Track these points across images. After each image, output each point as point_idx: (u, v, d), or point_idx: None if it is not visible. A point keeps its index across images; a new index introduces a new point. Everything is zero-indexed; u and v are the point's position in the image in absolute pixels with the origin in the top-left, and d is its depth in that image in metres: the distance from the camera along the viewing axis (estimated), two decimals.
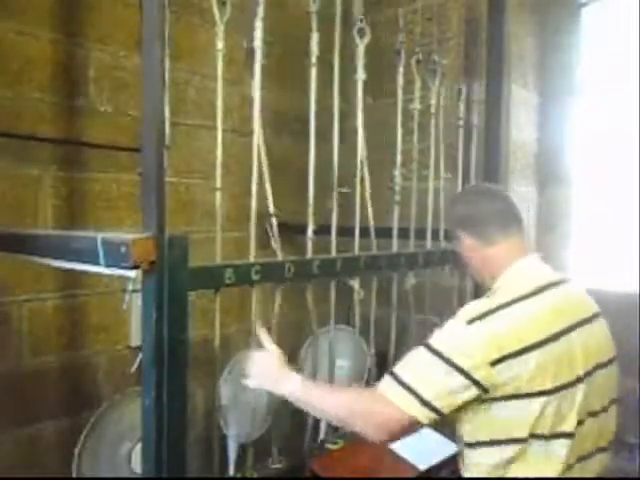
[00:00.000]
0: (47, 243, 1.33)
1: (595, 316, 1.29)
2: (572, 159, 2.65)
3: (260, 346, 1.35)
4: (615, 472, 1.35)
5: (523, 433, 1.14)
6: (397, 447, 1.66)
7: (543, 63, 2.68)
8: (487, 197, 1.37)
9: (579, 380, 1.18)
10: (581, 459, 1.21)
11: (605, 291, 1.44)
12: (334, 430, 1.77)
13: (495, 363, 1.11)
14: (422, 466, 1.60)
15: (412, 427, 1.15)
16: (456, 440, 1.30)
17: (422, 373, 1.15)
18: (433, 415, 1.12)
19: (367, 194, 1.78)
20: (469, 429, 1.19)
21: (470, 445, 1.20)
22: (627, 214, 2.41)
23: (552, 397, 1.14)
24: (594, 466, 1.25)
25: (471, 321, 1.15)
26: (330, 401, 1.22)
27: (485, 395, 1.13)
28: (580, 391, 1.18)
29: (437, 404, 1.11)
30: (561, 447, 1.16)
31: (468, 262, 1.39)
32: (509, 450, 1.16)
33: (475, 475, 1.22)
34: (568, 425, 1.16)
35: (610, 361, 1.29)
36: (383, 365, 1.93)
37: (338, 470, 1.58)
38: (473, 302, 1.25)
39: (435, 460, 1.63)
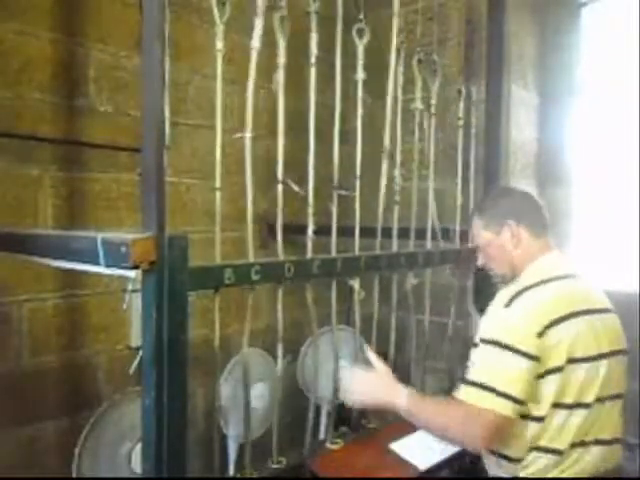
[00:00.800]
0: (47, 243, 1.33)
1: (609, 310, 1.40)
2: (572, 159, 2.65)
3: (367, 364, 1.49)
4: (615, 472, 1.36)
5: (552, 399, 1.24)
6: (397, 447, 1.67)
7: (543, 63, 2.68)
8: (529, 196, 1.53)
9: (602, 356, 1.29)
10: (598, 442, 1.29)
11: (606, 290, 1.45)
12: (334, 430, 1.77)
13: (540, 334, 1.21)
14: (422, 466, 1.60)
15: (507, 424, 1.21)
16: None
17: (489, 367, 1.23)
18: (514, 405, 1.19)
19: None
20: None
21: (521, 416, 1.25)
22: (627, 214, 2.41)
23: (583, 365, 1.25)
24: (596, 457, 1.29)
25: (508, 303, 1.27)
26: (435, 420, 1.30)
27: (539, 367, 1.22)
28: (603, 367, 1.29)
29: (514, 393, 1.18)
30: (580, 418, 1.26)
31: (501, 254, 1.46)
32: (536, 425, 1.25)
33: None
34: (590, 396, 1.26)
35: (624, 351, 1.38)
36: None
37: (338, 470, 1.58)
38: (500, 292, 1.34)
39: (435, 460, 1.63)
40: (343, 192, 1.64)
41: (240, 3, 1.43)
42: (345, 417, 1.85)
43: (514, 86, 2.49)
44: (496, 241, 1.46)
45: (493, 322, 1.28)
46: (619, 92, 2.49)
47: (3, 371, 1.82)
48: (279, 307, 1.51)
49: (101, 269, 1.08)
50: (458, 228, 2.07)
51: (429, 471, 1.60)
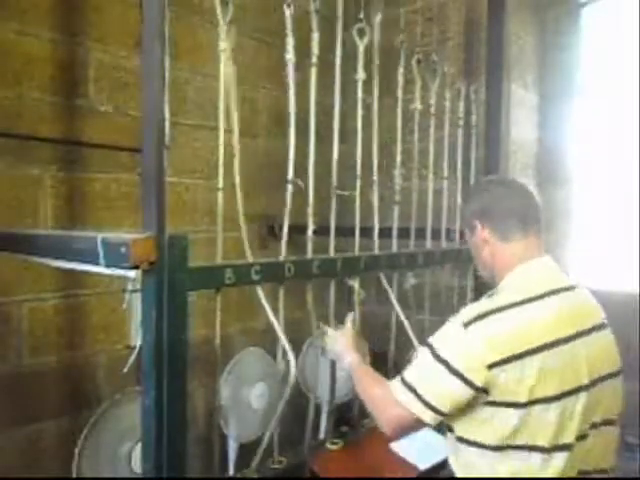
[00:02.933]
0: (47, 243, 1.33)
1: (602, 326, 1.24)
2: (572, 159, 2.65)
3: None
4: (615, 472, 1.35)
5: (523, 441, 1.11)
6: (397, 447, 1.66)
7: (543, 63, 2.68)
8: (510, 190, 1.31)
9: (581, 389, 1.14)
10: (584, 473, 1.16)
11: (605, 291, 1.43)
12: (334, 430, 1.77)
13: (492, 366, 1.09)
14: (422, 466, 1.60)
15: (417, 425, 1.19)
16: (445, 428, 1.27)
17: (424, 375, 1.18)
18: (436, 415, 1.15)
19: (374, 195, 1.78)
20: (467, 426, 1.17)
21: (466, 442, 1.18)
22: (627, 214, 2.41)
23: (554, 405, 1.10)
24: None
25: (468, 324, 1.14)
26: (365, 390, 1.34)
27: (487, 397, 1.11)
28: (582, 400, 1.14)
29: (439, 406, 1.14)
30: (561, 460, 1.12)
31: (477, 256, 1.34)
32: (507, 457, 1.13)
33: (466, 472, 1.20)
34: (568, 437, 1.12)
35: (616, 374, 1.24)
36: (383, 365, 1.93)
37: (338, 470, 1.58)
38: (473, 304, 1.23)
39: (435, 460, 1.63)
40: (344, 193, 1.63)
41: (242, 3, 1.43)
42: (345, 417, 1.85)
43: (514, 86, 2.49)
44: (472, 240, 1.34)
45: (448, 339, 1.17)
46: (619, 92, 2.49)
47: (3, 371, 1.82)
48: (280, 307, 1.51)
49: (101, 269, 1.08)
50: (458, 228, 2.07)
51: (429, 471, 1.59)
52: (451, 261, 2.05)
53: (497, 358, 1.09)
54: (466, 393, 1.11)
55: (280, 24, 1.47)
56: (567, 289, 1.22)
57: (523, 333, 1.12)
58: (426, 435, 1.73)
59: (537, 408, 1.10)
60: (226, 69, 1.35)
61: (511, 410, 1.10)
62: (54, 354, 1.94)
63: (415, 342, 1.82)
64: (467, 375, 1.10)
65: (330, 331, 1.60)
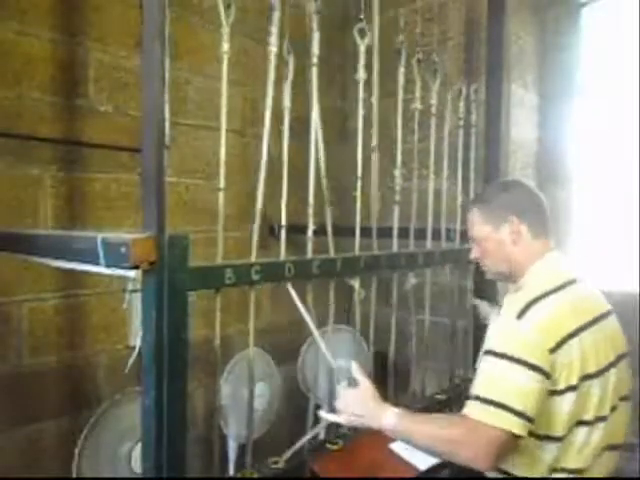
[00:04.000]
0: (47, 243, 1.33)
1: (610, 312, 1.36)
2: (572, 159, 2.65)
3: (352, 381, 1.36)
4: (615, 472, 1.36)
5: (573, 420, 1.20)
6: (397, 447, 1.66)
7: (543, 63, 2.68)
8: (534, 192, 1.41)
9: (611, 365, 1.27)
10: (610, 448, 1.26)
11: (605, 291, 1.44)
12: (334, 430, 1.77)
13: (552, 350, 1.15)
14: (422, 466, 1.60)
15: (512, 441, 1.12)
16: None
17: (499, 383, 1.13)
18: (526, 422, 1.11)
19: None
20: (540, 421, 1.16)
21: (537, 437, 1.19)
22: (627, 214, 2.41)
23: (596, 380, 1.22)
24: (609, 462, 1.29)
25: (521, 314, 1.18)
26: (430, 435, 1.18)
27: (550, 385, 1.15)
28: (613, 376, 1.26)
29: (525, 409, 1.10)
30: (600, 431, 1.23)
31: (498, 251, 1.37)
32: (565, 441, 1.20)
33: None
34: (606, 409, 1.24)
35: (626, 354, 1.35)
36: (383, 365, 1.93)
37: (338, 470, 1.58)
38: (508, 301, 1.28)
39: (435, 460, 1.62)
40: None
41: (243, 5, 1.43)
42: None
43: (514, 86, 2.49)
44: (494, 235, 1.37)
45: (504, 334, 1.19)
46: (619, 92, 2.49)
47: (3, 371, 1.82)
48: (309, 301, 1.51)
49: (101, 269, 1.08)
50: (458, 228, 2.07)
51: (429, 471, 1.59)
52: (451, 261, 2.05)
53: (553, 343, 1.15)
54: (541, 383, 1.13)
55: (280, 24, 1.47)
56: (577, 281, 1.32)
57: (563, 318, 1.20)
58: None
59: (585, 385, 1.20)
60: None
61: (569, 394, 1.17)
62: (54, 354, 1.94)
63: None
64: (537, 363, 1.12)
65: (343, 393, 1.33)
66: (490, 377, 1.16)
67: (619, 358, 1.31)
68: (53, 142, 1.90)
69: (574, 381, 1.17)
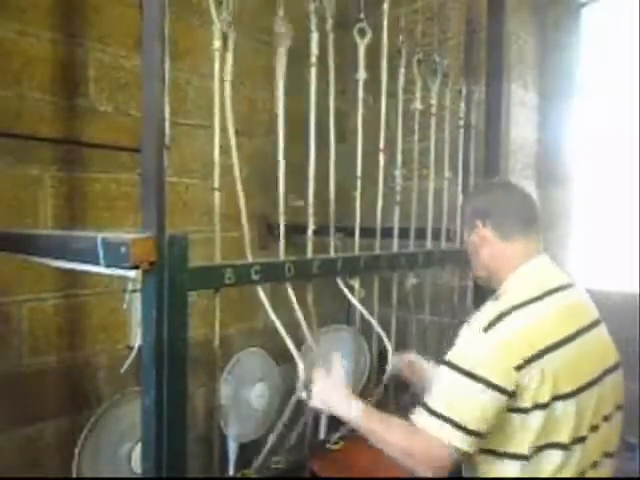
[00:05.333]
0: (47, 243, 1.33)
1: (598, 321, 1.28)
2: (572, 159, 2.65)
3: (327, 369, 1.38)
4: (615, 472, 1.36)
5: (546, 441, 1.13)
6: None
7: (543, 63, 2.68)
8: (510, 192, 1.34)
9: (594, 382, 1.18)
10: (594, 465, 1.20)
11: (605, 291, 1.44)
12: (334, 430, 1.77)
13: (519, 368, 1.08)
14: None
15: (456, 457, 1.10)
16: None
17: (451, 397, 1.11)
18: (473, 439, 1.09)
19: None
20: (499, 438, 1.14)
21: (497, 454, 1.16)
22: (627, 214, 2.41)
23: (572, 400, 1.13)
24: (604, 471, 1.24)
25: (487, 328, 1.12)
26: (386, 440, 1.17)
27: (514, 403, 1.10)
28: (595, 393, 1.17)
29: (475, 427, 1.08)
30: (578, 452, 1.15)
31: (475, 256, 1.35)
32: (533, 460, 1.13)
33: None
34: (584, 430, 1.16)
35: (616, 366, 1.28)
36: (383, 365, 1.93)
37: (338, 470, 1.58)
38: (483, 309, 1.20)
39: None
40: (298, 203, 1.61)
41: (241, 3, 1.43)
42: None
43: (514, 86, 2.49)
44: (469, 240, 1.36)
45: (468, 348, 1.14)
46: (619, 92, 2.49)
47: (3, 371, 1.82)
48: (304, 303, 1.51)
49: (101, 269, 1.08)
50: (458, 228, 2.07)
51: None
52: (451, 261, 2.05)
53: (521, 359, 1.08)
54: (499, 402, 1.08)
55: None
56: (565, 287, 1.25)
57: (538, 332, 1.13)
58: None
59: (558, 405, 1.11)
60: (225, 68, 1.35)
61: (537, 412, 1.10)
62: (54, 354, 1.94)
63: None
64: (497, 382, 1.07)
65: (319, 378, 1.35)
66: (449, 391, 1.13)
67: (605, 373, 1.22)
68: (53, 142, 1.90)
69: (544, 399, 1.10)
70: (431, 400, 1.13)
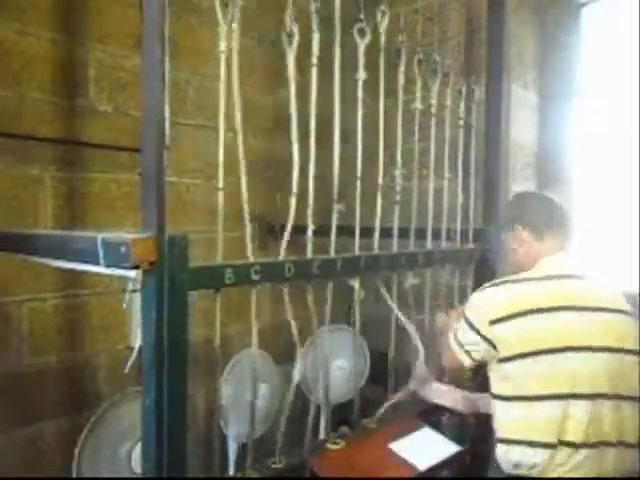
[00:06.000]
0: (47, 243, 1.33)
1: (617, 310, 1.44)
2: (572, 159, 2.65)
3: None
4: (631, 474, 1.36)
5: (539, 390, 1.33)
6: (397, 447, 1.66)
7: (543, 63, 2.68)
8: (537, 199, 1.65)
9: (590, 349, 1.33)
10: (621, 444, 1.31)
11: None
12: (334, 430, 1.77)
13: (492, 322, 1.40)
14: (422, 466, 1.60)
15: (461, 364, 1.52)
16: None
17: (460, 331, 1.52)
18: (469, 359, 1.49)
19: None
20: (494, 384, 1.45)
21: (498, 397, 1.42)
22: (627, 214, 2.41)
23: (561, 355, 1.32)
24: (616, 456, 1.31)
25: (484, 288, 1.50)
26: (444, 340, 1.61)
27: (497, 353, 1.40)
28: (598, 360, 1.33)
29: (471, 351, 1.48)
30: (580, 408, 1.30)
31: (513, 255, 1.61)
32: (529, 406, 1.35)
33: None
34: (584, 387, 1.31)
35: (634, 352, 1.38)
36: (383, 365, 1.93)
37: (338, 470, 1.58)
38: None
39: (435, 460, 1.63)
40: (341, 207, 1.65)
41: (241, 3, 1.43)
42: (345, 417, 1.85)
43: (514, 86, 2.49)
44: (508, 242, 1.62)
45: (470, 302, 1.53)
46: (619, 92, 2.49)
47: (3, 371, 1.82)
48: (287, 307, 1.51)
49: (101, 269, 1.08)
50: (459, 228, 2.07)
51: (429, 471, 1.59)
52: (451, 261, 2.05)
53: (496, 316, 1.40)
54: (481, 342, 1.44)
55: (281, 24, 1.47)
56: (569, 276, 1.47)
57: (523, 299, 1.41)
58: (426, 435, 1.73)
59: (545, 358, 1.33)
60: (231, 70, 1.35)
61: (516, 362, 1.36)
62: (54, 354, 1.94)
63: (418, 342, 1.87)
64: (477, 326, 1.44)
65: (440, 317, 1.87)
66: (459, 328, 1.53)
67: (616, 350, 1.35)
68: (53, 142, 1.90)
69: (526, 349, 1.35)
70: (456, 330, 1.55)
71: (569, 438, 1.30)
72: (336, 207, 1.64)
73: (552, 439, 1.30)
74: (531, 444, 1.32)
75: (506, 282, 1.48)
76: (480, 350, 1.46)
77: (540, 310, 1.38)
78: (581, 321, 1.37)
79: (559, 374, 1.33)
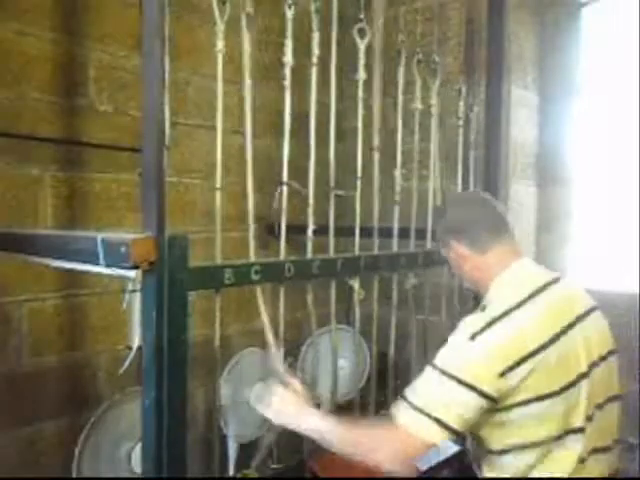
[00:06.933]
0: (47, 243, 1.33)
1: (592, 309, 1.30)
2: (572, 159, 2.65)
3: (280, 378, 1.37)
4: (615, 471, 1.36)
5: (538, 436, 1.17)
6: None
7: (543, 63, 2.68)
8: (475, 204, 1.38)
9: (583, 376, 1.21)
10: (595, 451, 1.24)
11: (605, 291, 1.44)
12: None
13: (502, 374, 1.12)
14: (422, 466, 1.60)
15: (426, 448, 1.14)
16: (473, 444, 1.34)
17: (434, 396, 1.15)
18: (451, 435, 1.13)
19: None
20: (490, 437, 1.21)
21: (493, 452, 1.23)
22: (627, 214, 2.41)
23: (560, 397, 1.16)
24: (597, 466, 1.25)
25: (474, 335, 1.16)
26: (348, 440, 1.21)
27: (497, 405, 1.15)
28: (585, 386, 1.20)
29: (454, 425, 1.12)
30: (574, 442, 1.19)
31: (460, 271, 1.38)
32: (530, 454, 1.18)
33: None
34: (578, 421, 1.19)
35: (611, 353, 1.30)
36: (383, 365, 1.94)
37: (338, 470, 1.58)
38: (470, 317, 1.24)
39: (435, 460, 1.62)
40: (340, 193, 1.63)
41: (241, 2, 1.43)
42: (345, 417, 1.85)
43: (514, 86, 2.49)
44: (448, 256, 1.40)
45: (454, 354, 1.18)
46: (619, 92, 2.49)
47: (3, 371, 1.82)
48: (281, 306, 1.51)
49: (101, 269, 1.08)
50: None
51: (429, 471, 1.59)
52: None
53: (505, 365, 1.12)
54: (478, 404, 1.12)
55: (279, 23, 1.47)
56: (550, 283, 1.27)
57: (523, 337, 1.16)
58: None
59: (546, 403, 1.15)
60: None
61: (524, 409, 1.15)
62: (54, 354, 1.94)
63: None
64: (480, 386, 1.11)
65: (278, 391, 1.32)
66: (432, 391, 1.16)
67: (597, 362, 1.25)
68: (53, 142, 1.90)
69: (529, 396, 1.15)
70: (414, 396, 1.17)
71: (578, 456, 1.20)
72: (333, 193, 1.60)
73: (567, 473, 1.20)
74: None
75: (498, 318, 1.18)
76: (473, 414, 1.13)
77: (548, 343, 1.17)
78: (581, 337, 1.23)
79: (578, 405, 1.19)
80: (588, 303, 1.31)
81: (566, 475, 1.19)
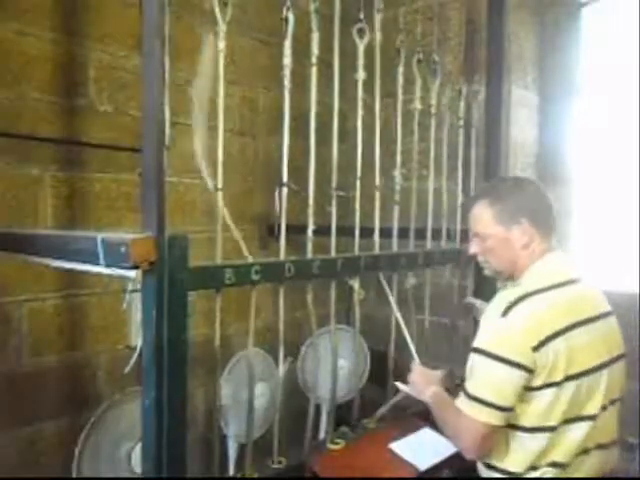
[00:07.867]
0: (47, 243, 1.33)
1: (609, 313, 1.36)
2: (572, 159, 2.64)
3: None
4: (613, 473, 1.36)
5: (555, 417, 1.22)
6: (397, 447, 1.66)
7: (543, 63, 2.68)
8: (541, 190, 1.41)
9: (603, 366, 1.27)
10: (599, 447, 1.28)
11: (605, 291, 1.44)
12: (334, 430, 1.77)
13: (536, 348, 1.18)
14: (422, 466, 1.60)
15: (491, 432, 1.22)
16: None
17: (480, 379, 1.23)
18: (506, 414, 1.21)
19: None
20: (523, 414, 1.24)
21: (519, 428, 1.25)
22: (627, 214, 2.41)
23: (584, 379, 1.23)
24: (598, 460, 1.29)
25: (505, 312, 1.21)
26: (444, 420, 1.35)
27: (533, 379, 1.19)
28: (605, 376, 1.26)
29: (501, 402, 1.20)
30: (581, 430, 1.23)
31: (505, 252, 1.35)
32: (543, 437, 1.23)
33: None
34: (593, 408, 1.25)
35: (622, 356, 1.35)
36: (383, 365, 1.93)
37: (338, 470, 1.58)
38: (497, 297, 1.30)
39: (435, 460, 1.62)
40: (341, 193, 1.63)
41: (241, 3, 1.43)
42: (345, 417, 1.85)
43: (514, 86, 2.49)
44: (503, 236, 1.33)
45: (488, 332, 1.25)
46: (619, 92, 2.49)
47: (3, 371, 1.82)
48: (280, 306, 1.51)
49: (101, 269, 1.08)
50: (458, 228, 2.07)
51: (429, 471, 1.59)
52: (451, 261, 2.05)
53: (537, 340, 1.18)
54: (520, 377, 1.18)
55: (280, 23, 1.47)
56: (570, 282, 1.33)
57: (551, 316, 1.21)
58: (426, 435, 1.73)
59: (571, 384, 1.21)
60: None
61: (547, 391, 1.20)
62: (54, 354, 1.94)
63: (411, 345, 1.83)
64: (517, 359, 1.17)
65: (416, 368, 1.58)
66: (475, 374, 1.25)
67: (613, 360, 1.31)
68: (53, 142, 1.90)
69: (557, 378, 1.20)
70: (467, 384, 1.26)
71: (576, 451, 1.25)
72: (335, 193, 1.61)
73: (570, 459, 1.25)
74: (554, 464, 1.24)
75: (531, 294, 1.23)
76: (516, 387, 1.19)
77: (580, 323, 1.23)
78: (605, 330, 1.30)
79: (596, 392, 1.25)
80: (606, 306, 1.37)
81: (569, 461, 1.24)
